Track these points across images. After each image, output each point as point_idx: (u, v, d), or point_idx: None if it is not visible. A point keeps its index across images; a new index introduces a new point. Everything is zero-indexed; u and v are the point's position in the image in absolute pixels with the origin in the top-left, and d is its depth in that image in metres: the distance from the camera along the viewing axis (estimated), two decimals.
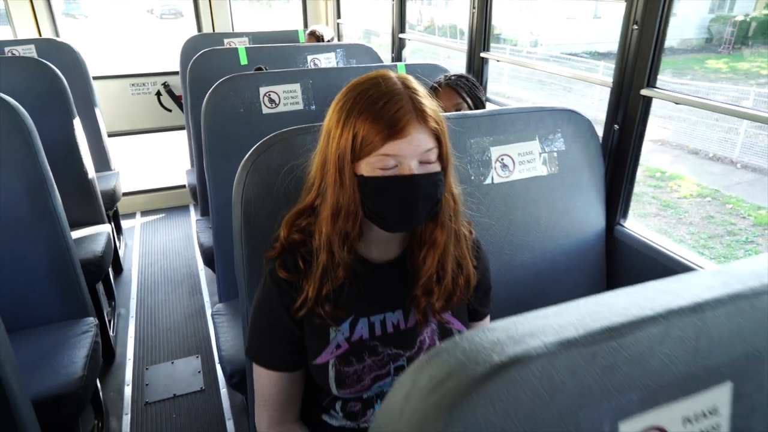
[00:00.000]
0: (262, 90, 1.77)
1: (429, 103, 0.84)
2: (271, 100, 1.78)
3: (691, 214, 7.67)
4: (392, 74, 0.86)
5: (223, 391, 2.18)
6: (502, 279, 1.30)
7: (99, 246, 2.23)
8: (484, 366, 0.34)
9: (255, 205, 1.07)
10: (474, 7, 2.16)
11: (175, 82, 3.75)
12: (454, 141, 1.03)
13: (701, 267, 1.28)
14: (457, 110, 1.63)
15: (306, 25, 4.10)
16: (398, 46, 3.00)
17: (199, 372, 2.28)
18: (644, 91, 1.38)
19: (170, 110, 3.86)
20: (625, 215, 1.52)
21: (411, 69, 1.92)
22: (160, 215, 3.91)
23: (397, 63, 2.14)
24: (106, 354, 2.20)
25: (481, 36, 2.18)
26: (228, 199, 1.15)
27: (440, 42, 4.19)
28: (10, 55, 3.02)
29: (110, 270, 2.72)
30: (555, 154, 1.37)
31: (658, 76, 1.38)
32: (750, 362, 0.42)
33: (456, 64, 2.47)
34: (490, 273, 1.08)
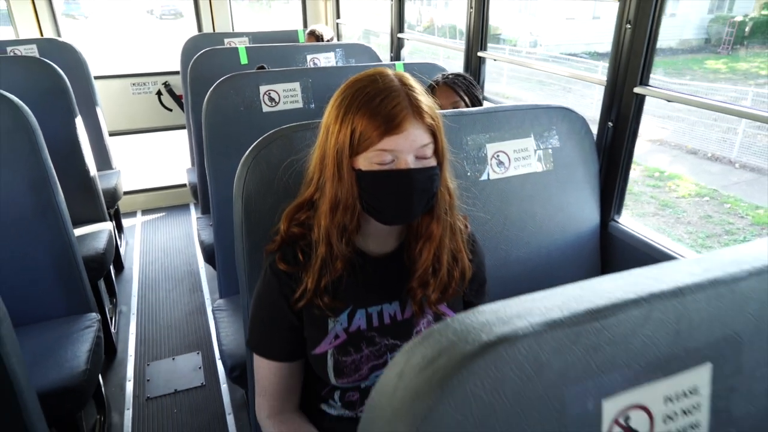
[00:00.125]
0: (263, 89, 1.78)
1: (425, 100, 0.86)
2: (271, 99, 1.80)
3: (689, 213, 7.67)
4: (389, 71, 0.88)
5: (224, 386, 2.19)
6: (497, 274, 1.32)
7: (101, 243, 2.25)
8: (473, 344, 0.36)
9: (255, 200, 1.08)
10: (471, 7, 2.17)
11: (176, 82, 3.76)
12: (451, 138, 1.04)
13: None
14: (454, 108, 1.65)
15: (305, 25, 4.11)
16: (397, 46, 3.02)
17: (200, 368, 2.30)
18: (637, 89, 1.40)
19: (171, 109, 3.87)
20: (619, 211, 1.53)
21: (409, 68, 1.93)
22: (161, 214, 3.92)
23: (395, 62, 2.16)
24: (107, 350, 2.22)
25: (478, 35, 2.20)
26: (228, 195, 1.17)
27: (438, 41, 4.20)
28: (12, 54, 3.03)
29: (112, 268, 2.73)
30: (550, 151, 1.38)
31: (653, 76, 1.40)
32: (729, 345, 0.43)
33: (455, 64, 2.48)
34: (486, 267, 1.09)
